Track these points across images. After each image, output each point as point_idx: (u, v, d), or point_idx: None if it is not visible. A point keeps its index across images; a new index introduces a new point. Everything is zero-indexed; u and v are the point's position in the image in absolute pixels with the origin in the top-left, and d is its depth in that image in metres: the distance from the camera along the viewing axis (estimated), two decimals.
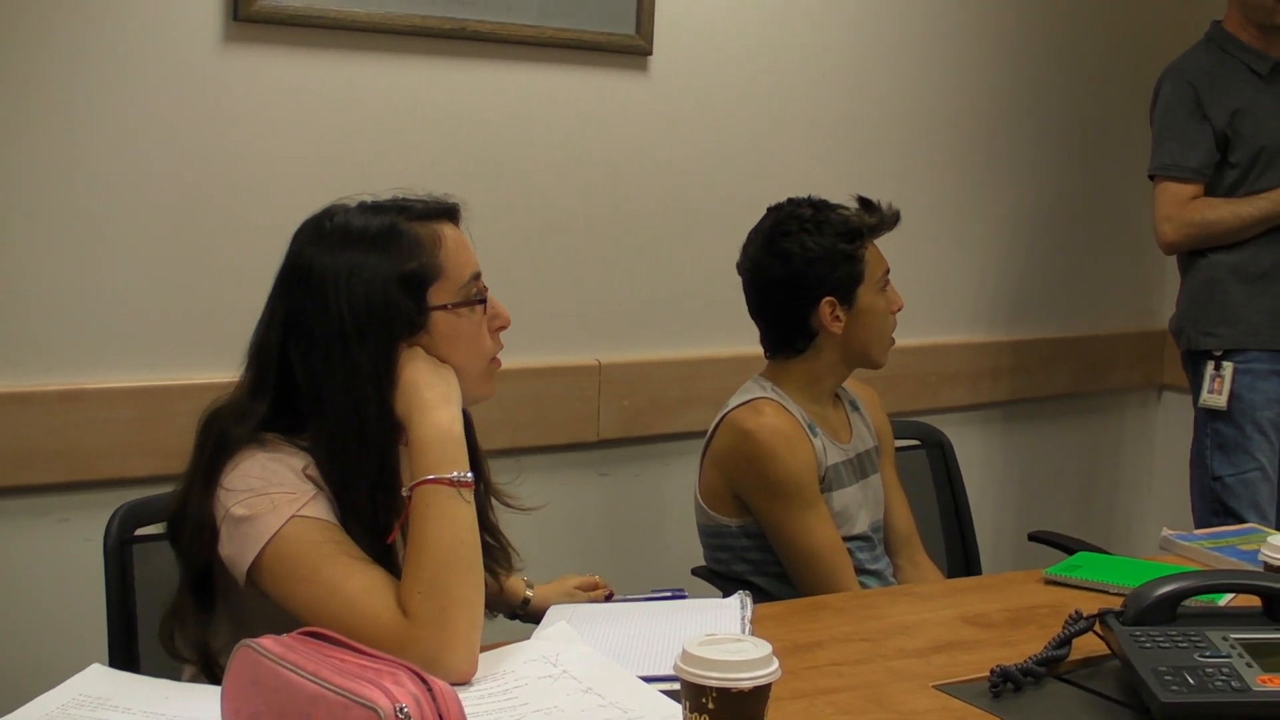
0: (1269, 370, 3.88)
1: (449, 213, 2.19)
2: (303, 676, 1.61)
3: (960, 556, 3.43)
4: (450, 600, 1.94)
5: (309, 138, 3.22)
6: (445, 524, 1.98)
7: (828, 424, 2.96)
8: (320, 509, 2.00)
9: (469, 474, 2.01)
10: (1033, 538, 3.84)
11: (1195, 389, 3.95)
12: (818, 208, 2.93)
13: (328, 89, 3.25)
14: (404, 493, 2.02)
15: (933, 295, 4.31)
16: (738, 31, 3.82)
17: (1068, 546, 3.28)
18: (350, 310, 2.03)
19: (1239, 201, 3.86)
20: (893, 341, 3.03)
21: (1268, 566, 2.36)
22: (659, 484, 3.71)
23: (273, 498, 1.97)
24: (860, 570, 2.90)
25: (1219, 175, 3.90)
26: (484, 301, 2.14)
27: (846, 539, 2.89)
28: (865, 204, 2.97)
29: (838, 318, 2.88)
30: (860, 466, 3.00)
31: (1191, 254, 3.98)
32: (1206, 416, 3.93)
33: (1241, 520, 3.77)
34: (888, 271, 2.97)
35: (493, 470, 2.31)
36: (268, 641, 1.68)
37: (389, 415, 2.03)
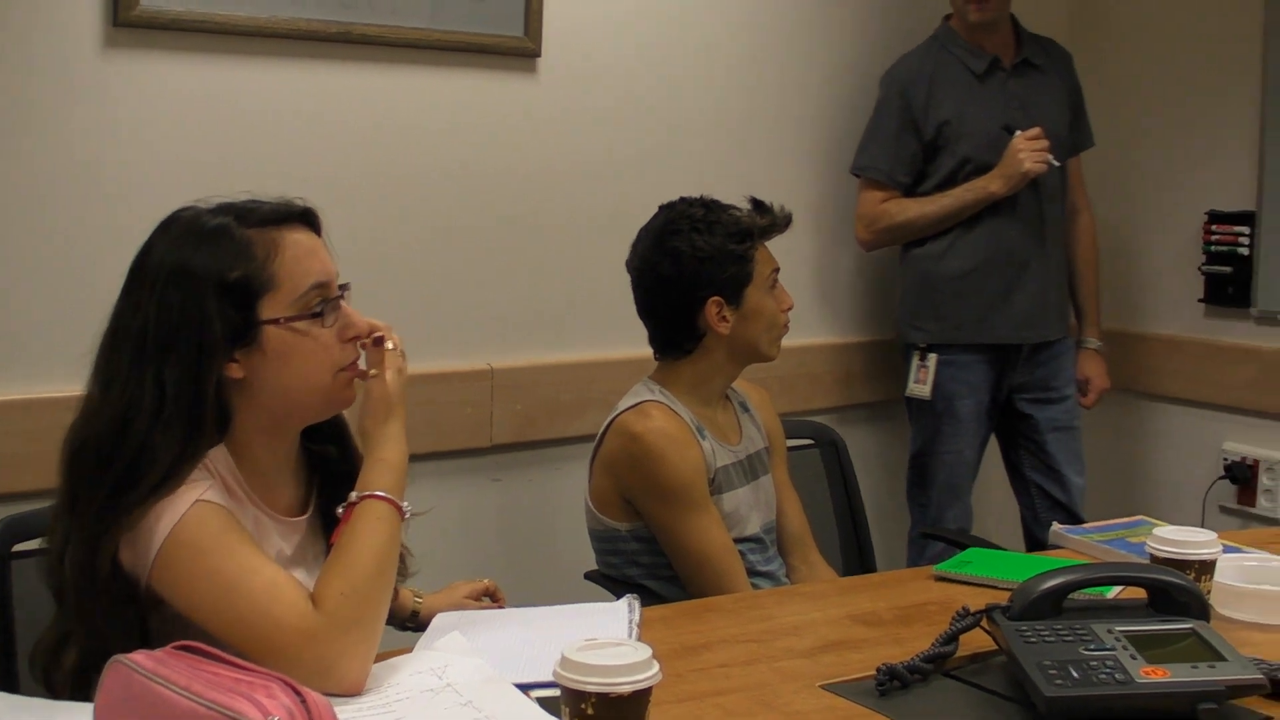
0: (971, 361, 4.08)
1: (298, 217, 2.11)
2: (175, 692, 1.58)
3: (855, 555, 3.43)
4: (368, 608, 1.95)
5: (192, 143, 3.17)
6: (384, 540, 2.00)
7: (717, 426, 2.95)
8: (220, 495, 1.97)
9: (408, 506, 2.06)
10: (925, 535, 3.89)
11: (904, 379, 4.12)
12: (710, 208, 2.92)
13: (211, 94, 3.20)
14: (351, 498, 2.03)
15: (828, 294, 4.33)
16: (627, 34, 3.81)
17: (959, 543, 3.29)
18: (158, 315, 1.98)
19: (925, 200, 4.05)
20: (786, 330, 3.02)
21: (1154, 558, 2.37)
22: (553, 489, 3.69)
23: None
24: (752, 572, 2.89)
25: (923, 181, 4.07)
26: (321, 315, 2.06)
27: (738, 541, 2.88)
28: (757, 205, 2.97)
29: (724, 318, 2.87)
30: (750, 468, 2.99)
31: (905, 252, 4.16)
32: (914, 404, 4.13)
33: (939, 496, 4.10)
34: (777, 271, 2.96)
35: None
36: (140, 657, 1.65)
37: (166, 430, 1.96)
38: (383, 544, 2.00)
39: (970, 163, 4.00)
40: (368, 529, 2.00)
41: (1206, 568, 2.35)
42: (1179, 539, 2.37)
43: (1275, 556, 2.63)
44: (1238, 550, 2.70)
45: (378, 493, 2.03)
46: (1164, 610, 2.12)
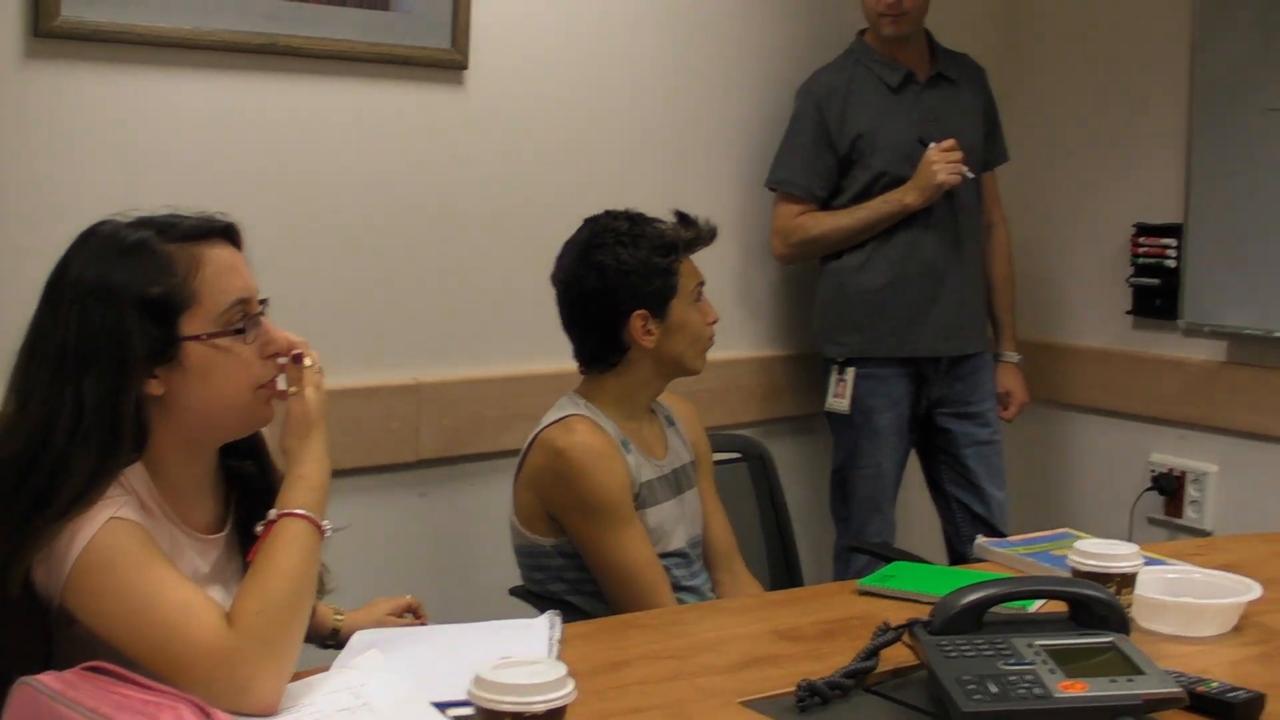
0: (890, 375, 4.09)
1: (220, 232, 2.09)
2: (83, 714, 1.56)
3: (782, 569, 3.43)
4: (283, 627, 1.93)
5: (115, 156, 3.14)
6: (302, 559, 1.98)
7: (642, 440, 2.94)
8: (134, 512, 1.94)
9: (329, 524, 2.04)
10: (852, 549, 3.88)
11: (824, 393, 4.12)
12: (634, 221, 2.91)
13: (133, 106, 3.17)
14: (270, 516, 2.00)
15: (753, 308, 4.33)
16: (554, 47, 3.80)
17: (885, 556, 3.29)
18: (78, 331, 1.96)
19: (841, 213, 4.07)
20: (711, 343, 3.02)
21: (1076, 572, 2.37)
22: (480, 504, 3.66)
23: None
24: (677, 587, 2.89)
25: (839, 194, 4.08)
26: (243, 331, 2.05)
27: (663, 555, 2.87)
28: (683, 218, 2.96)
29: (649, 331, 2.87)
30: (676, 482, 2.98)
31: (823, 266, 4.17)
32: (834, 419, 4.13)
33: (861, 510, 4.11)
34: (702, 284, 2.96)
35: None
36: (47, 679, 1.63)
37: (83, 446, 1.93)
38: (299, 563, 1.97)
39: (886, 175, 4.02)
40: (285, 547, 1.97)
41: (1128, 581, 2.35)
42: (1100, 552, 2.37)
43: (1198, 569, 2.64)
44: (1161, 562, 2.71)
45: (296, 510, 2.00)
46: (1085, 624, 2.12)
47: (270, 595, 1.92)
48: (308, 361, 2.11)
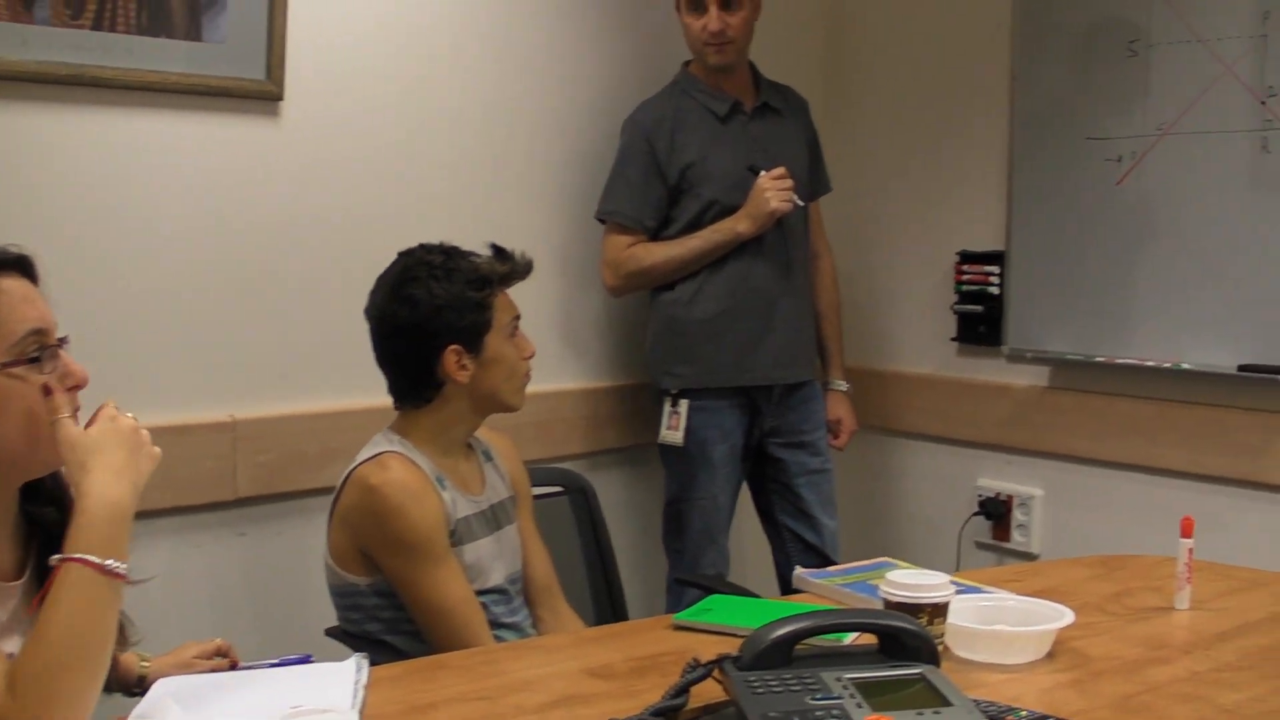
0: (724, 406, 4.09)
1: (13, 264, 2.03)
2: None
3: (606, 604, 3.40)
4: (65, 684, 1.83)
5: None
6: (83, 610, 1.87)
7: (458, 475, 2.90)
8: None
9: (125, 565, 1.91)
10: (683, 582, 3.86)
11: (657, 425, 4.11)
12: (449, 254, 2.89)
13: None
14: (51, 561, 1.90)
15: (577, 340, 4.30)
16: (373, 76, 3.75)
17: (712, 588, 3.27)
18: None
19: (673, 244, 4.06)
20: (528, 379, 2.99)
21: (887, 603, 2.37)
22: (300, 542, 3.58)
23: None
24: (496, 624, 2.85)
25: (669, 225, 4.08)
26: (39, 361, 1.99)
27: (481, 592, 2.84)
28: (498, 252, 2.94)
29: (464, 366, 2.84)
30: (494, 518, 2.94)
31: (654, 297, 4.16)
32: (667, 450, 4.12)
33: (695, 542, 4.09)
34: (517, 319, 2.94)
35: None
36: None
37: None
38: (79, 612, 1.87)
39: (716, 204, 4.01)
40: (65, 597, 1.87)
41: (939, 610, 2.35)
42: (911, 583, 2.36)
43: (1012, 595, 2.65)
44: (976, 590, 2.72)
45: (74, 555, 1.89)
46: (895, 655, 2.11)
47: (48, 652, 1.83)
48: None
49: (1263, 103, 3.65)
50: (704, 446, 4.06)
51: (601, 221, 4.12)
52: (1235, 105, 3.71)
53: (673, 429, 4.06)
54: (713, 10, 3.98)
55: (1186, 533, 2.72)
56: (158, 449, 2.03)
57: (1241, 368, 3.74)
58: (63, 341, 2.05)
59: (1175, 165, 3.85)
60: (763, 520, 4.32)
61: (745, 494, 4.30)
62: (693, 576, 3.92)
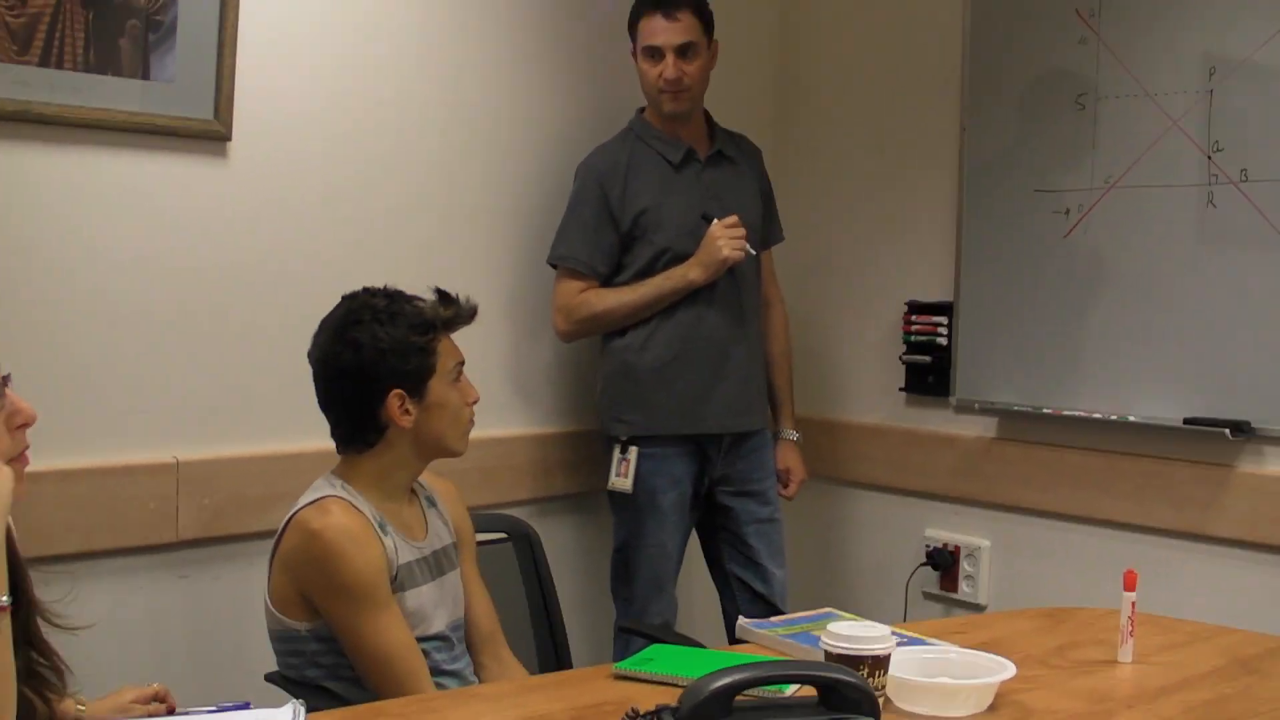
0: (674, 454, 4.08)
1: None
2: None
3: (550, 652, 3.38)
4: None
5: None
6: None
7: (401, 521, 2.88)
8: None
9: (7, 598, 1.86)
10: (629, 631, 3.84)
11: (606, 472, 4.10)
12: (392, 298, 2.87)
13: None
14: None
15: (525, 385, 4.28)
16: (323, 120, 3.74)
17: (656, 637, 3.25)
18: None
19: (625, 290, 4.06)
20: (471, 424, 2.97)
21: (828, 654, 2.35)
22: (242, 585, 3.55)
23: None
24: (438, 671, 2.82)
25: (621, 270, 4.09)
26: None
27: (422, 639, 2.81)
28: (442, 296, 2.92)
29: (407, 411, 2.82)
30: (437, 564, 2.92)
31: (605, 344, 4.16)
32: (616, 497, 4.11)
33: (643, 590, 4.08)
34: (461, 364, 2.92)
35: (45, 582, 2.12)
36: None
37: None
38: None
39: (669, 251, 4.01)
40: None
41: (880, 663, 2.34)
42: (852, 634, 2.35)
43: (955, 648, 2.65)
44: (920, 642, 2.71)
45: None
46: (835, 708, 2.10)
47: None
48: None
49: (1209, 157, 3.67)
50: (653, 494, 4.04)
51: (553, 266, 4.10)
52: (1182, 159, 3.74)
53: (622, 476, 4.04)
54: (669, 58, 4.00)
55: (1130, 586, 2.72)
56: (5, 468, 1.92)
57: (1187, 420, 3.75)
58: (5, 380, 2.02)
59: (1123, 218, 3.88)
60: (711, 569, 4.30)
61: (694, 542, 4.28)
62: (638, 625, 3.90)
